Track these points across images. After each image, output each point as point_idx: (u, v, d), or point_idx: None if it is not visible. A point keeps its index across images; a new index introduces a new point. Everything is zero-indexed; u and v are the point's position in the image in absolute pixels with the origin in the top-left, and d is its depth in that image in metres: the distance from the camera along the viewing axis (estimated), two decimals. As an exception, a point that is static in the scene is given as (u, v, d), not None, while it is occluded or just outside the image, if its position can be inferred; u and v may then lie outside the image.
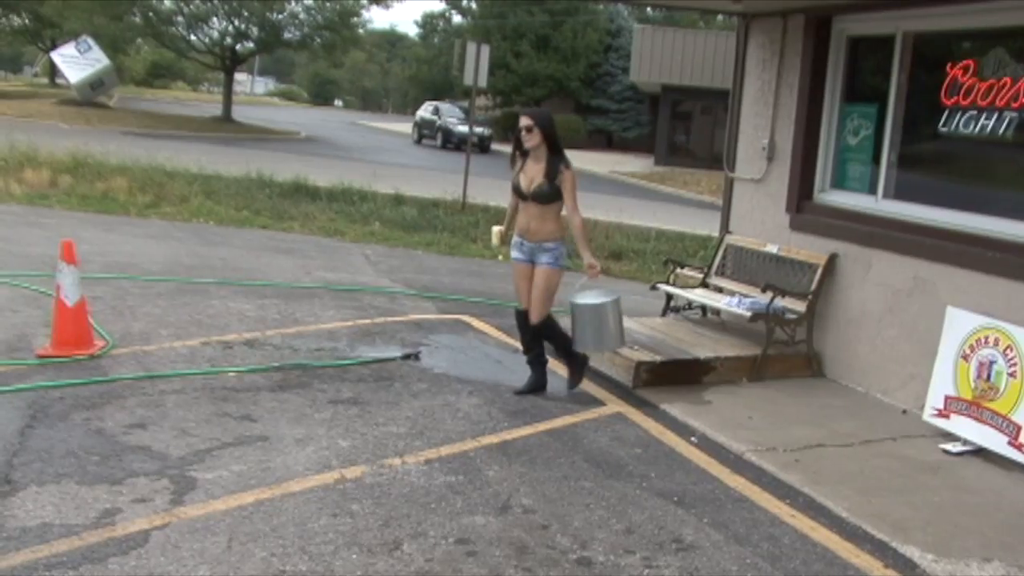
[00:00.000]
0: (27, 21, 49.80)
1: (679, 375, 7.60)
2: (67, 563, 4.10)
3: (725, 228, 9.41)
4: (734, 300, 8.40)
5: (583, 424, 6.57)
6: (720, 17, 43.29)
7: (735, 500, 5.44)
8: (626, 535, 4.85)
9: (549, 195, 6.77)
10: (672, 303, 9.31)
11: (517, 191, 6.95)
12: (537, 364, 7.20)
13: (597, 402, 7.12)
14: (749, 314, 7.95)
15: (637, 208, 22.25)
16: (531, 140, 6.81)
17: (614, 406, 7.04)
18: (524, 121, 6.84)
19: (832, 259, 7.98)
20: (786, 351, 8.04)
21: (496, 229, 7.49)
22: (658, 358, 7.59)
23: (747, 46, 9.22)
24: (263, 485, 5.07)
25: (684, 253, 15.01)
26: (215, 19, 40.63)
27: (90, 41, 40.36)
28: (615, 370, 7.62)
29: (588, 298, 6.97)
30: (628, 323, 8.62)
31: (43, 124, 31.57)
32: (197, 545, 4.36)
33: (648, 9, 49.74)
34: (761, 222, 8.90)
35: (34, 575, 3.99)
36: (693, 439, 6.42)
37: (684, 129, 42.38)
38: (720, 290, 8.99)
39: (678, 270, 9.48)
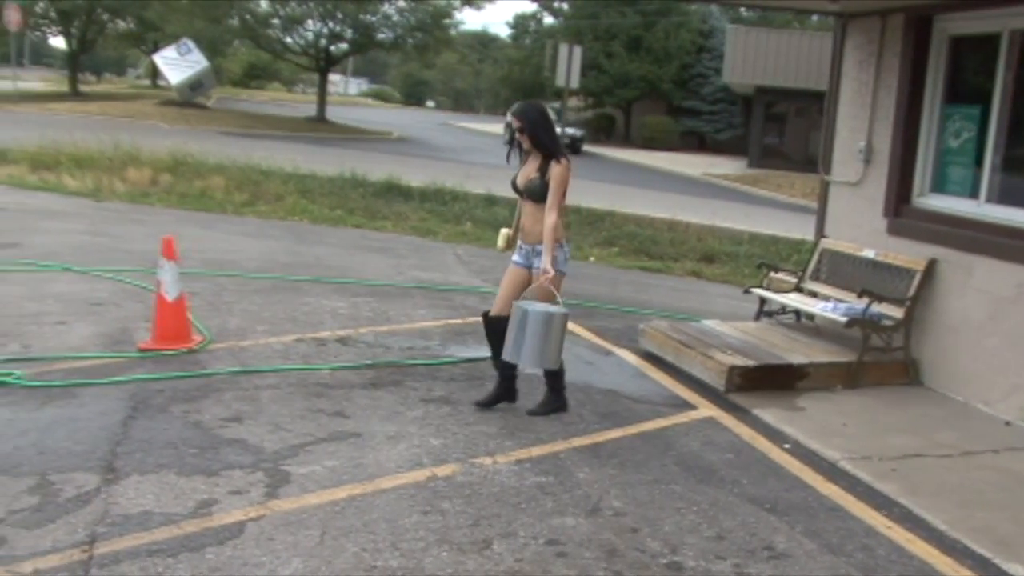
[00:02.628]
0: (131, 25, 51.09)
1: (772, 380, 7.50)
2: (167, 551, 4.20)
3: (820, 232, 9.27)
4: (829, 305, 8.25)
5: (674, 428, 6.52)
6: (815, 17, 42.68)
7: (829, 509, 5.34)
8: (717, 541, 4.80)
9: (540, 190, 6.27)
10: (765, 307, 9.19)
11: (515, 189, 6.58)
12: (551, 387, 6.68)
13: (688, 406, 7.06)
14: (844, 320, 7.81)
15: (729, 211, 22.06)
16: (526, 140, 6.38)
17: (706, 410, 6.97)
18: (514, 123, 6.45)
19: (931, 264, 7.80)
20: (882, 358, 7.89)
21: (504, 231, 6.96)
22: (751, 362, 7.50)
23: (844, 46, 9.07)
24: (355, 481, 5.12)
25: (777, 257, 14.82)
26: (310, 21, 41.25)
27: (190, 44, 41.30)
28: (707, 374, 7.55)
29: (537, 306, 6.15)
30: (721, 327, 8.58)
31: (145, 124, 32.39)
32: (290, 538, 4.43)
33: (742, 10, 49.22)
34: (857, 226, 8.74)
35: (136, 561, 4.10)
36: (786, 445, 6.33)
37: (778, 131, 41.81)
38: (815, 295, 8.85)
39: (771, 274, 9.37)
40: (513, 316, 6.11)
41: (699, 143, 50.16)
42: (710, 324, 8.78)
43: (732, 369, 7.36)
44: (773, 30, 42.30)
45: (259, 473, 5.13)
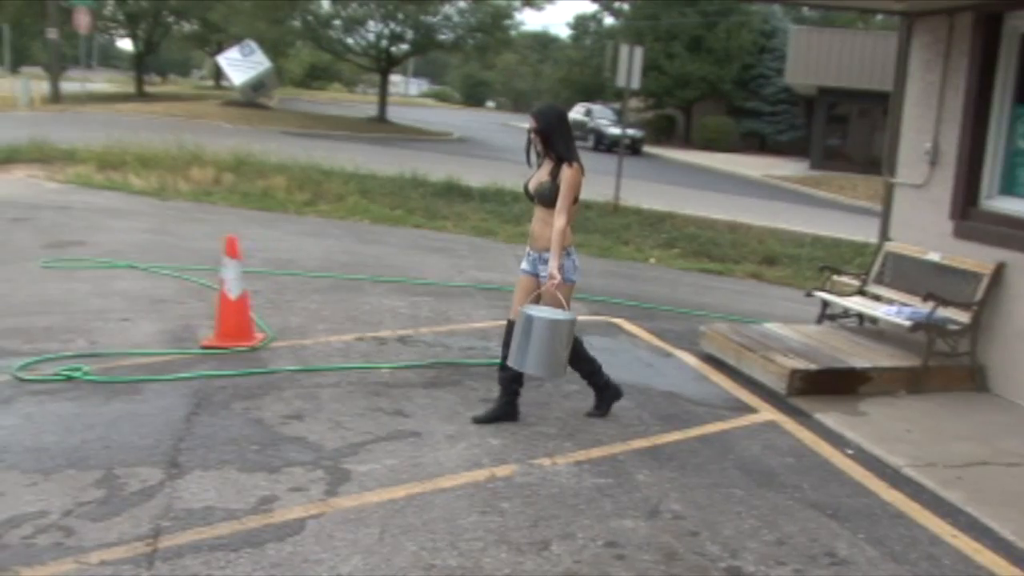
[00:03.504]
0: (196, 27, 51.78)
1: (834, 384, 7.41)
2: (228, 545, 4.25)
3: (884, 235, 9.15)
4: (893, 309, 8.14)
5: (735, 431, 6.47)
6: (879, 17, 42.12)
7: (892, 516, 5.27)
8: (777, 546, 4.75)
9: (551, 195, 6.01)
10: (828, 310, 9.08)
11: (527, 193, 6.31)
12: (594, 387, 6.58)
13: (749, 409, 7.00)
14: (909, 324, 7.70)
15: (791, 213, 21.85)
16: (539, 141, 6.17)
17: (766, 414, 6.91)
18: (531, 123, 6.19)
19: (999, 268, 7.66)
20: (947, 363, 7.76)
21: None
22: (813, 366, 7.41)
23: (910, 46, 8.94)
24: (414, 480, 5.14)
25: (840, 259, 14.64)
26: (371, 22, 41.46)
27: (253, 45, 41.75)
28: (768, 377, 7.48)
29: (544, 312, 5.89)
30: (783, 330, 8.49)
31: (208, 124, 32.78)
32: (350, 535, 4.46)
33: (804, 9, 48.69)
34: (922, 229, 8.61)
35: (199, 555, 4.16)
36: (848, 451, 6.25)
37: (840, 132, 41.28)
38: (878, 298, 8.73)
39: (834, 277, 9.27)
40: (518, 322, 5.85)
41: (760, 144, 49.69)
42: (771, 327, 8.70)
43: (794, 373, 7.29)
44: (836, 30, 41.80)
45: (319, 471, 5.17)
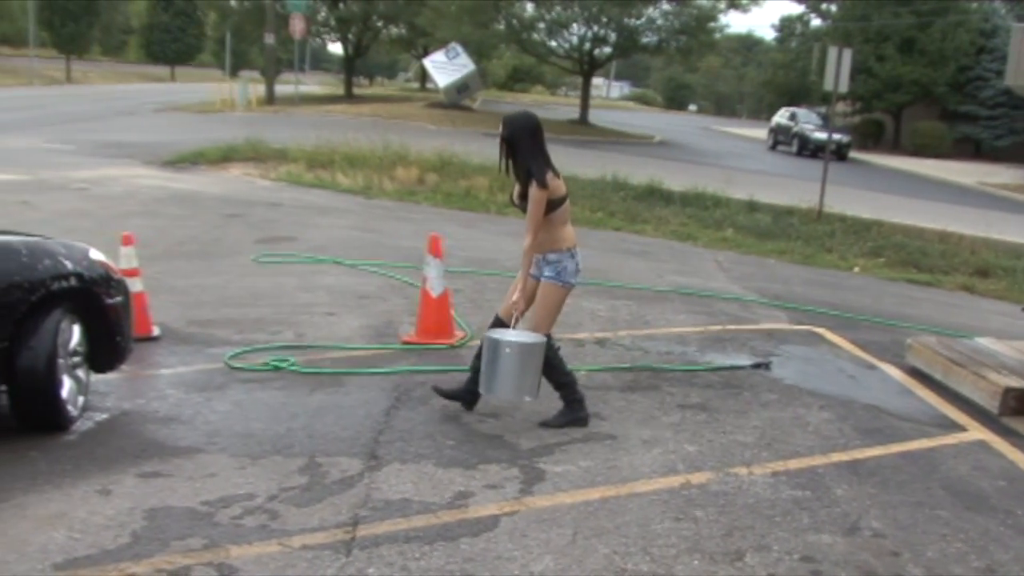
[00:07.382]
0: (403, 31, 53.19)
1: (1053, 405, 7.00)
2: (423, 538, 4.35)
3: (1114, 247, 8.58)
4: (1121, 327, 7.62)
5: (941, 449, 6.19)
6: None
7: (1116, 548, 4.93)
8: (986, 574, 4.51)
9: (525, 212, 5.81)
10: (1047, 326, 8.59)
11: (512, 202, 6.10)
12: (565, 401, 6.13)
13: (957, 427, 6.69)
14: None
15: (1007, 223, 20.73)
16: (504, 148, 5.90)
17: (976, 433, 6.59)
18: (501, 129, 5.92)
19: None
20: None
21: None
22: (1029, 385, 7.02)
23: None
24: (609, 483, 5.14)
25: (1062, 273, 13.85)
26: (574, 25, 41.60)
27: (458, 48, 42.51)
28: (979, 394, 7.13)
29: (510, 336, 5.76)
30: (996, 345, 8.09)
31: (413, 125, 33.58)
32: (543, 535, 4.48)
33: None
34: None
35: (395, 545, 4.27)
36: (1067, 476, 5.89)
37: (1066, 138, 38.98)
38: (1105, 315, 8.21)
39: (1055, 291, 8.76)
40: (485, 347, 5.72)
41: (974, 150, 47.41)
42: (983, 342, 8.28)
43: (1008, 391, 6.92)
44: (1064, 29, 39.45)
45: (515, 469, 5.22)
